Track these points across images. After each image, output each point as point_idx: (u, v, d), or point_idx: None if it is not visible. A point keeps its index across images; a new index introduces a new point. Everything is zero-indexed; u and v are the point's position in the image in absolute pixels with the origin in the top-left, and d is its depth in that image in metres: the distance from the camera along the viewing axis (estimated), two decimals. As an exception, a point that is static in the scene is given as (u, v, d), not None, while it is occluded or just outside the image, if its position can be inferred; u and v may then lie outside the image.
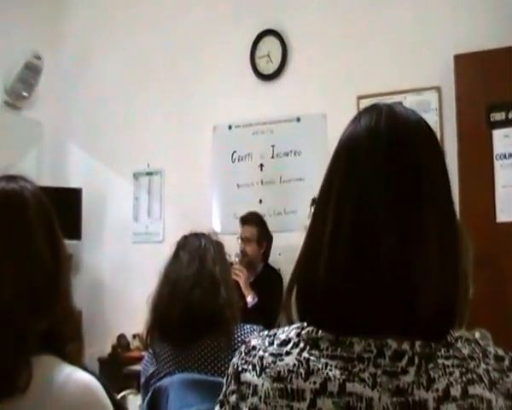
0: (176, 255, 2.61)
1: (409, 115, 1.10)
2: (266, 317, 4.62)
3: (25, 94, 6.12)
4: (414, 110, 1.13)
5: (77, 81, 6.70)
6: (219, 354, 2.38)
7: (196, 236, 2.68)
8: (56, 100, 6.62)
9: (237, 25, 6.03)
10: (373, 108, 1.12)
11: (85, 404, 1.36)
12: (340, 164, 1.09)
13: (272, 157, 5.87)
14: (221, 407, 1.10)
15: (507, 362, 1.02)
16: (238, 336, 2.43)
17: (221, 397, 1.11)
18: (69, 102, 6.70)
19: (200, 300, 2.42)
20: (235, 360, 1.11)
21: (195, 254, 2.57)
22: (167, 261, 2.61)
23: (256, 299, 4.98)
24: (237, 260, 5.09)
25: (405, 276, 0.99)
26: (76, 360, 1.45)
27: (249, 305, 4.95)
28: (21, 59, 5.94)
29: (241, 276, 5.01)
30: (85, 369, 1.45)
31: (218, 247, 2.70)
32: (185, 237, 2.69)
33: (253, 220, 5.32)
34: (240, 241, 5.24)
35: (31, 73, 6.05)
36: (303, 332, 1.04)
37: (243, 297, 4.92)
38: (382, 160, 1.04)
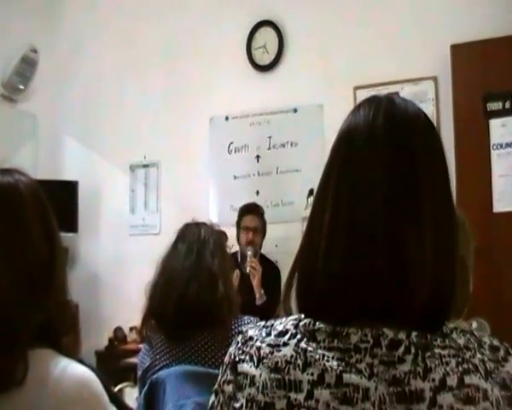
0: (174, 246, 2.59)
1: (407, 107, 1.10)
2: (271, 313, 4.62)
3: (21, 87, 6.11)
4: (413, 102, 1.13)
5: (72, 74, 6.69)
6: (216, 346, 2.37)
7: (197, 226, 2.65)
8: (52, 93, 6.61)
9: (233, 15, 6.02)
10: (372, 100, 1.12)
11: (82, 397, 1.36)
12: (339, 154, 1.09)
13: (269, 148, 5.88)
14: (216, 396, 1.11)
15: (502, 352, 1.02)
16: (235, 328, 2.43)
17: (216, 387, 1.11)
18: (65, 95, 6.69)
19: (196, 294, 2.40)
20: (231, 349, 1.11)
21: (193, 246, 2.54)
22: (166, 251, 2.60)
23: (265, 297, 4.98)
24: (250, 253, 5.07)
25: (399, 265, 0.99)
26: (72, 353, 1.45)
27: (257, 302, 4.95)
28: (18, 52, 5.93)
29: (257, 270, 5.01)
30: (82, 362, 1.44)
31: (219, 238, 2.67)
32: (187, 226, 2.66)
33: (257, 211, 5.33)
34: (242, 230, 5.23)
35: (27, 67, 6.05)
36: (300, 324, 1.05)
37: (252, 291, 4.92)
38: (380, 149, 1.04)
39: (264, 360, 1.03)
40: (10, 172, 1.52)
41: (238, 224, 5.29)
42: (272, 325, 1.09)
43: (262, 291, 5.00)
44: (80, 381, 1.38)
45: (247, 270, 4.99)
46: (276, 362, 1.02)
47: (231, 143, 6.03)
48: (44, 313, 1.41)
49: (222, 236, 2.73)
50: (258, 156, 5.91)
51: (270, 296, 4.96)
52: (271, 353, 1.03)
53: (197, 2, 6.22)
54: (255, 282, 4.99)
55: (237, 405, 1.04)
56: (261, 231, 5.30)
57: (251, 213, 5.30)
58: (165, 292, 2.45)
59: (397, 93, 5.10)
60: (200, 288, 2.42)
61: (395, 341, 0.98)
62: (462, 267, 1.97)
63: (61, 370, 1.36)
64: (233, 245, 4.91)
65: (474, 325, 2.20)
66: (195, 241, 2.56)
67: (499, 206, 4.71)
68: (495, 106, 4.77)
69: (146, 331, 2.54)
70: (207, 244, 2.56)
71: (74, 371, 1.38)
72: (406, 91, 5.19)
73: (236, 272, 2.76)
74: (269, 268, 5.23)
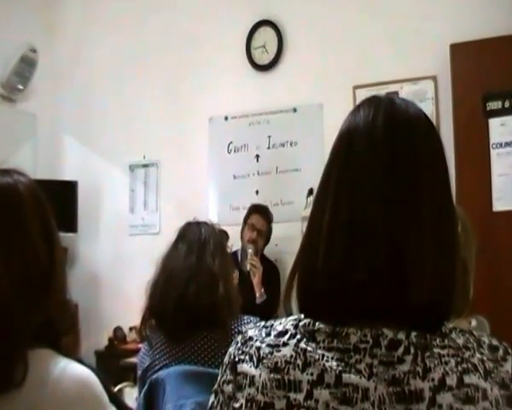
0: (175, 245, 2.58)
1: (408, 107, 1.10)
2: (271, 311, 4.64)
3: (20, 87, 6.11)
4: (414, 103, 1.13)
5: (72, 74, 6.68)
6: (216, 346, 2.37)
7: (198, 225, 2.64)
8: (51, 93, 6.61)
9: (233, 15, 6.02)
10: (372, 100, 1.12)
11: (81, 397, 1.36)
12: (339, 155, 1.09)
13: (268, 148, 5.87)
14: (215, 396, 1.11)
15: (501, 352, 1.02)
16: (235, 327, 2.42)
17: (216, 387, 1.12)
18: (64, 95, 6.68)
19: (195, 294, 2.39)
20: (231, 350, 1.11)
21: (193, 246, 2.54)
22: (166, 250, 2.59)
23: (265, 296, 4.98)
24: (250, 251, 5.07)
25: (399, 265, 0.99)
26: (72, 353, 1.44)
27: (257, 301, 4.95)
28: (17, 52, 5.93)
29: (257, 268, 5.01)
30: (81, 362, 1.44)
31: (220, 239, 2.66)
32: (188, 225, 2.66)
33: (267, 214, 5.34)
34: (248, 227, 5.23)
35: (26, 66, 6.04)
36: (300, 324, 1.05)
37: (252, 289, 4.92)
38: (380, 150, 1.04)
39: (264, 360, 1.03)
40: (9, 172, 1.52)
41: (245, 220, 5.30)
42: (272, 325, 1.09)
43: (262, 290, 4.99)
44: (80, 381, 1.37)
45: (248, 267, 5.00)
46: (276, 362, 1.02)
47: (231, 142, 6.03)
48: (44, 313, 1.41)
49: (223, 236, 2.72)
50: (257, 156, 5.90)
51: (270, 295, 4.97)
52: (271, 353, 1.03)
53: (197, 1, 6.21)
54: (256, 280, 5.00)
55: (237, 405, 1.04)
56: (265, 234, 5.30)
57: (260, 213, 5.31)
58: (165, 291, 2.45)
59: (396, 92, 5.13)
60: (199, 288, 2.41)
61: (394, 341, 0.98)
62: (464, 270, 1.97)
63: (60, 370, 1.36)
64: (232, 245, 4.93)
65: (474, 323, 2.19)
66: (196, 241, 2.56)
67: (499, 205, 4.71)
68: (494, 105, 4.77)
69: (145, 330, 2.53)
70: (208, 245, 2.55)
71: (74, 372, 1.38)
72: (406, 91, 5.20)
73: (235, 273, 2.76)
74: (268, 267, 5.23)
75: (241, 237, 5.27)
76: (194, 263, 2.48)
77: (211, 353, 2.36)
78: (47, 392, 1.32)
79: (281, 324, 1.08)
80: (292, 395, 0.98)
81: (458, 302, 1.06)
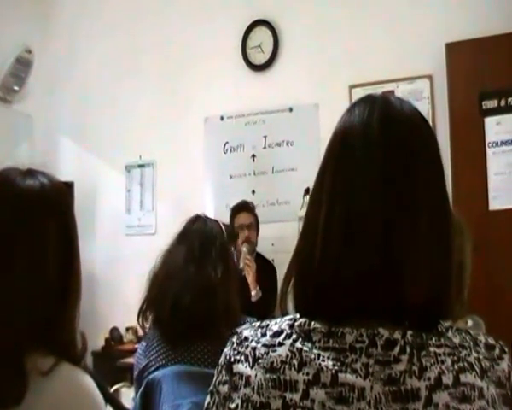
0: (176, 243, 2.51)
1: (403, 106, 1.10)
2: (267, 310, 4.65)
3: (16, 88, 6.11)
4: (409, 101, 1.12)
5: (67, 74, 6.68)
6: (213, 347, 2.35)
7: (205, 223, 2.59)
8: (47, 93, 6.60)
9: (229, 15, 6.02)
10: (367, 99, 1.12)
11: (76, 400, 1.35)
12: (333, 154, 1.09)
13: (264, 148, 5.87)
14: (211, 397, 1.11)
15: (497, 351, 1.03)
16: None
17: (211, 387, 1.11)
18: (60, 96, 6.68)
19: (188, 304, 2.33)
20: (226, 350, 1.12)
21: (195, 252, 2.45)
22: (168, 246, 2.51)
23: (260, 294, 4.98)
24: (245, 249, 5.07)
25: (394, 264, 0.99)
26: (69, 354, 1.43)
27: (253, 299, 4.95)
28: (12, 53, 5.93)
29: (251, 267, 5.01)
30: (78, 363, 1.43)
31: (226, 242, 2.57)
32: (195, 220, 2.59)
33: (249, 207, 5.33)
34: (237, 229, 5.22)
35: (22, 67, 6.04)
36: (296, 324, 1.05)
37: (247, 287, 4.93)
38: (374, 149, 1.04)
39: (260, 361, 1.03)
40: (35, 177, 1.49)
41: (231, 223, 5.28)
42: (267, 325, 1.09)
43: (257, 287, 5.00)
44: (75, 383, 1.37)
45: (241, 266, 5.00)
46: (272, 362, 1.02)
47: (227, 142, 6.03)
48: (50, 346, 1.37)
49: (230, 237, 2.65)
50: (253, 156, 5.90)
51: (267, 294, 4.97)
52: (267, 353, 1.03)
53: (192, 1, 6.21)
54: (250, 278, 5.00)
55: (232, 405, 1.03)
56: (255, 226, 5.30)
57: (244, 210, 5.29)
58: (162, 290, 2.42)
59: (392, 91, 5.13)
60: (194, 298, 2.35)
61: (390, 341, 0.97)
62: (461, 272, 1.98)
63: (55, 372, 1.34)
64: (243, 243, 4.95)
65: (470, 322, 2.20)
66: (198, 247, 2.47)
67: (495, 204, 4.71)
68: (490, 104, 4.77)
69: (142, 322, 2.48)
70: (210, 253, 2.46)
71: (69, 374, 1.37)
72: (401, 90, 5.20)
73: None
74: (265, 267, 5.23)
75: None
76: (193, 268, 2.41)
77: (207, 354, 2.35)
78: (42, 394, 1.31)
79: (276, 324, 1.08)
80: (288, 395, 0.98)
81: (454, 304, 1.06)
